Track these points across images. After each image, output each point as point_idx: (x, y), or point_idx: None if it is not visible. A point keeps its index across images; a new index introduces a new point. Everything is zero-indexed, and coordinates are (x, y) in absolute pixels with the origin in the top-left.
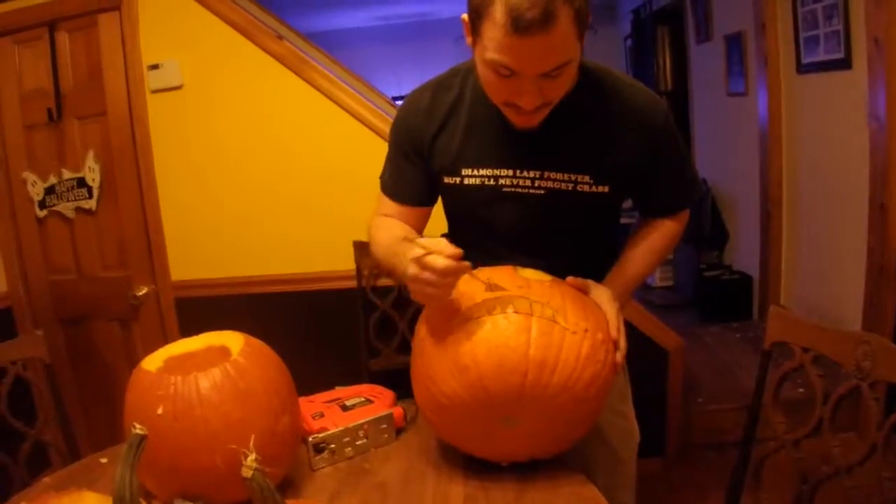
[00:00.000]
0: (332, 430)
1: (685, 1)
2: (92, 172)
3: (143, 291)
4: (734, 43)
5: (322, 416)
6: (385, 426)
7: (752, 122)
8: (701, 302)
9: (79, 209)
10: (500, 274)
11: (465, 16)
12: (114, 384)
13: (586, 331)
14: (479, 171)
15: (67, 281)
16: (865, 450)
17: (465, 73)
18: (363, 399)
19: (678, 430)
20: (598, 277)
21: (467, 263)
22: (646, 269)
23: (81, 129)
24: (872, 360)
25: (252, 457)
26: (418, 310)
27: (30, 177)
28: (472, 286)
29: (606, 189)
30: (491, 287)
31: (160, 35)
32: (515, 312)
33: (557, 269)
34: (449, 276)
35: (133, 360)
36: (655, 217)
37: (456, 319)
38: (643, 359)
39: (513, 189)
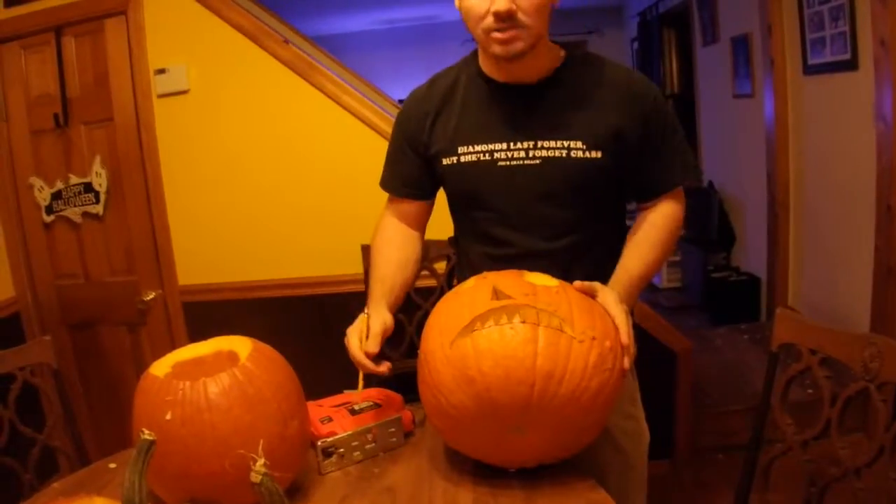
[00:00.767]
0: (341, 435)
1: (691, 3)
2: (99, 177)
3: (150, 296)
4: (740, 45)
5: (330, 420)
6: (394, 430)
7: (759, 124)
8: (709, 303)
9: (86, 214)
10: (507, 280)
11: None
12: (121, 389)
13: (594, 339)
14: (474, 148)
15: (75, 286)
16: (874, 451)
17: (461, 63)
18: (371, 403)
19: (687, 433)
20: (603, 271)
21: (375, 369)
22: (651, 266)
23: (88, 134)
24: (880, 362)
25: (261, 462)
26: (426, 315)
27: (37, 182)
28: (479, 294)
29: (599, 155)
30: (497, 295)
31: (167, 40)
32: (522, 322)
33: (563, 258)
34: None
35: (141, 365)
36: (651, 199)
37: (463, 329)
38: (652, 361)
39: (508, 162)
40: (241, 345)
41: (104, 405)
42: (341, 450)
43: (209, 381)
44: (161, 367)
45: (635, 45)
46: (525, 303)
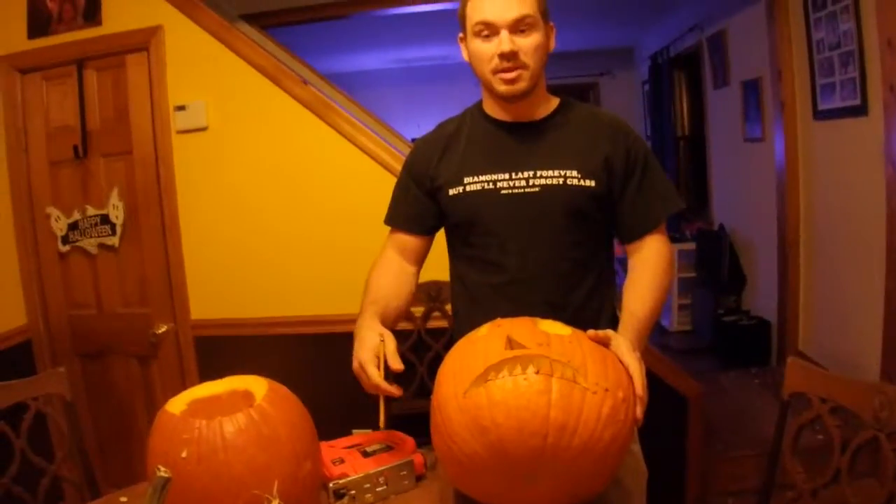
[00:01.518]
0: (353, 476)
1: (702, 47)
2: (116, 210)
3: (162, 329)
4: (751, 89)
5: (342, 461)
6: (405, 473)
7: (769, 168)
8: (719, 347)
9: (101, 245)
10: (521, 328)
11: (460, 34)
12: (130, 421)
13: (607, 390)
14: (479, 178)
15: (87, 316)
16: (884, 498)
17: (466, 111)
18: (383, 445)
19: (697, 477)
20: (598, 296)
21: (396, 392)
22: (654, 308)
23: (107, 167)
24: (890, 411)
25: (275, 502)
26: (438, 355)
27: (53, 212)
28: (493, 343)
29: (593, 184)
30: (511, 344)
31: (187, 77)
32: (536, 373)
33: (559, 283)
34: (373, 390)
35: (151, 398)
36: (638, 237)
37: (476, 379)
38: (662, 405)
39: (510, 191)
40: (256, 384)
41: (112, 436)
42: (353, 492)
43: (225, 421)
44: (177, 405)
45: (646, 87)
46: (539, 353)
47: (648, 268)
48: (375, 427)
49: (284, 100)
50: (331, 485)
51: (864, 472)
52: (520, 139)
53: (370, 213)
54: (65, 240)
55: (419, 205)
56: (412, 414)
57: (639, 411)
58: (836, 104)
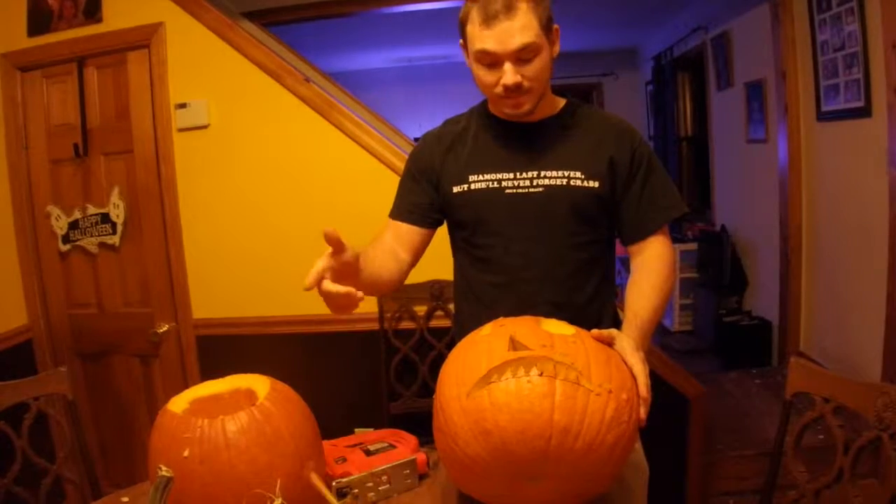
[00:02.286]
0: (356, 475)
1: (706, 48)
2: (116, 209)
3: (163, 328)
4: (755, 90)
5: (345, 460)
6: (408, 472)
7: (772, 169)
8: (720, 348)
9: (102, 244)
10: (524, 329)
11: (461, 41)
12: (132, 420)
13: (610, 392)
14: (484, 176)
15: (88, 315)
16: (886, 499)
17: (472, 110)
18: (386, 444)
19: (699, 478)
20: (600, 295)
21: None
22: (657, 308)
23: (107, 165)
24: (893, 412)
25: (278, 501)
26: (440, 354)
27: (54, 211)
28: (496, 343)
29: (597, 185)
30: (514, 345)
31: (188, 75)
32: (539, 375)
33: (562, 282)
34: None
35: (152, 397)
36: (641, 238)
37: (479, 380)
38: (664, 406)
39: (514, 190)
40: (259, 383)
41: (114, 435)
42: (356, 490)
43: (228, 420)
44: (178, 404)
45: (650, 88)
46: (542, 354)
47: (652, 269)
48: (378, 425)
49: (286, 98)
50: (334, 483)
51: (865, 474)
52: (525, 139)
53: (373, 211)
54: (65, 239)
55: (425, 198)
56: (415, 413)
57: (643, 412)
58: (840, 106)
